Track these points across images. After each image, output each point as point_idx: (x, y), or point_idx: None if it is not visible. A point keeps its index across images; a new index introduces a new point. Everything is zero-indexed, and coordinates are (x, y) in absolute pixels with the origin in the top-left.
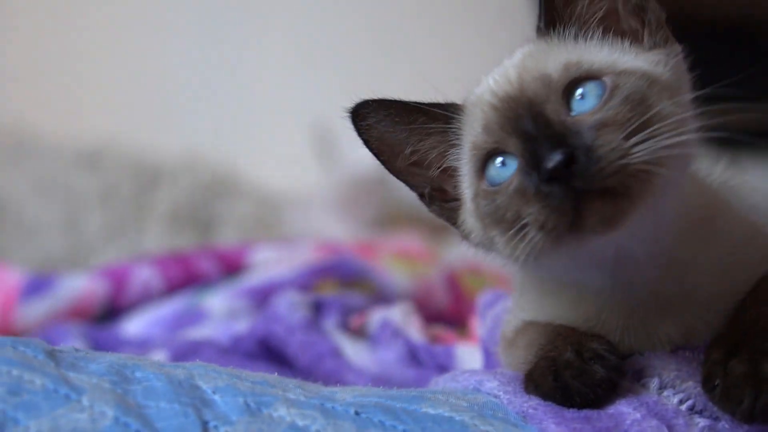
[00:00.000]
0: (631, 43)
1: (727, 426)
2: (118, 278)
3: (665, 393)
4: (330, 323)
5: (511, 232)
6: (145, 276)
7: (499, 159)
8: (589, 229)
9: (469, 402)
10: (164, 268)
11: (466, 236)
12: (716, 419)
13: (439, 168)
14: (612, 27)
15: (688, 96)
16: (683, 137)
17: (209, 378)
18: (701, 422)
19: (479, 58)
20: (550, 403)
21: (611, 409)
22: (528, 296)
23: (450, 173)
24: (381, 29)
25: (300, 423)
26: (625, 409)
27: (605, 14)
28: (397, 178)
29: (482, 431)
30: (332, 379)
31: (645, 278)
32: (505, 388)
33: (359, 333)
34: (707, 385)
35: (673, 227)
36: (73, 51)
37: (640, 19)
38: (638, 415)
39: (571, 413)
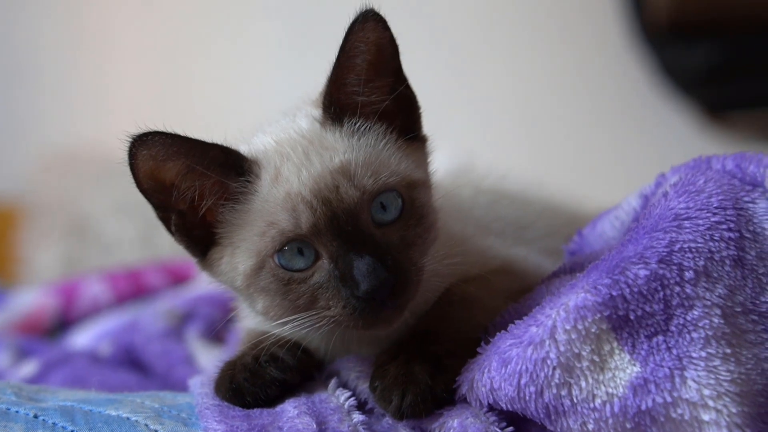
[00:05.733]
0: (398, 139)
1: (390, 422)
2: (68, 293)
3: (337, 392)
4: (192, 332)
5: (290, 308)
6: (95, 291)
7: (297, 246)
8: (374, 328)
9: (163, 404)
10: (114, 282)
11: (212, 271)
12: (383, 415)
13: (204, 208)
14: (387, 120)
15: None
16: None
17: None
18: (357, 417)
19: None
20: (225, 402)
21: (278, 408)
22: (249, 311)
23: (212, 215)
24: None
25: None
26: (288, 407)
27: (384, 109)
28: (152, 204)
29: (151, 430)
30: (184, 384)
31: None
32: (202, 389)
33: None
34: (371, 386)
35: None
36: (157, 76)
37: (410, 114)
38: (295, 412)
39: (235, 411)
